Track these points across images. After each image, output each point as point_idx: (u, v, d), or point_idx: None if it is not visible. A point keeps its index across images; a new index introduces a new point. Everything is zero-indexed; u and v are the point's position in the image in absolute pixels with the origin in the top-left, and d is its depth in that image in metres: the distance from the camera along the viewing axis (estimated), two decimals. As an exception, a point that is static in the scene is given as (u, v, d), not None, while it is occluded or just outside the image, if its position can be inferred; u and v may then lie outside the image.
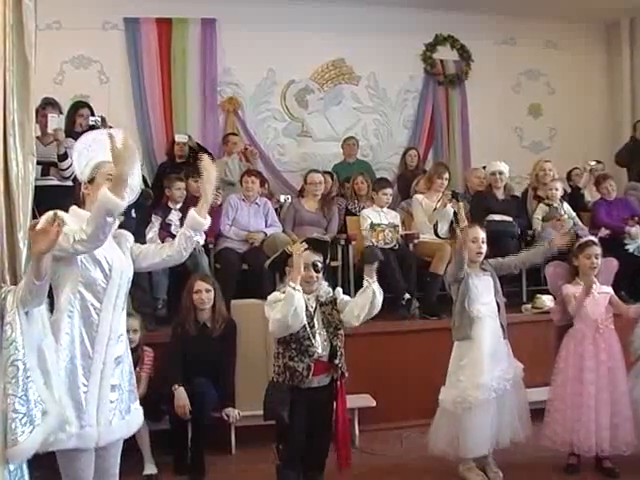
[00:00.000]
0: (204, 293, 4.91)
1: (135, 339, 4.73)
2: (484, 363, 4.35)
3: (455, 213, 6.86)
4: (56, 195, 5.97)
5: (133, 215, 6.25)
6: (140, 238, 6.14)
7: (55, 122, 5.94)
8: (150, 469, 4.68)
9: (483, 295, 4.49)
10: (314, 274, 3.75)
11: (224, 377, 4.91)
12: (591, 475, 4.57)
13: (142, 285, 5.91)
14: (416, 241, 6.70)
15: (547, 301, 6.16)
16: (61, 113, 6.18)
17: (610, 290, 4.77)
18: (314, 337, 3.68)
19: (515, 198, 7.41)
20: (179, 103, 8.53)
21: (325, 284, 3.91)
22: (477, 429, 4.32)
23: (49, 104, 6.06)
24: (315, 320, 3.75)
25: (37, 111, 5.62)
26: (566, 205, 7.06)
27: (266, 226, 6.60)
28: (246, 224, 6.54)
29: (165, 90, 8.51)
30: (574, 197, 7.68)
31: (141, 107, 8.44)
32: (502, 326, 4.51)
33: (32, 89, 5.14)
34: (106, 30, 8.39)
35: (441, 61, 9.51)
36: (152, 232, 6.21)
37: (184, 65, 8.58)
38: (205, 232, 6.55)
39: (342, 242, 6.71)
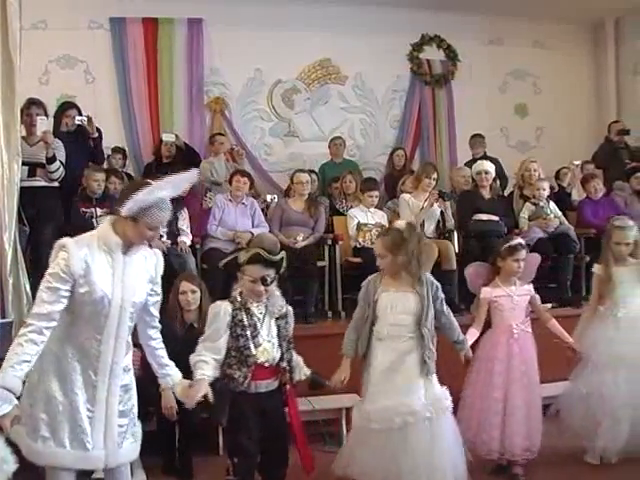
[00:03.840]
0: (190, 294, 4.90)
1: None
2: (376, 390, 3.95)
3: (442, 212, 6.91)
4: (43, 196, 5.96)
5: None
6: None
7: (44, 124, 5.92)
8: (139, 476, 4.63)
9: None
10: (262, 289, 3.60)
11: (211, 378, 4.88)
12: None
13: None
14: (403, 241, 6.69)
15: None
16: (46, 114, 6.15)
17: (531, 289, 4.69)
18: (257, 346, 3.56)
19: (502, 197, 7.44)
20: (165, 103, 8.51)
21: (278, 295, 3.75)
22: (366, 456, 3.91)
23: (34, 104, 6.04)
24: (263, 328, 3.62)
25: (22, 111, 5.59)
26: (552, 204, 7.09)
27: (253, 226, 6.60)
28: (233, 224, 6.54)
29: (151, 90, 8.48)
30: (560, 196, 7.72)
31: (127, 107, 8.41)
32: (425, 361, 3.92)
33: (17, 89, 5.12)
34: (92, 30, 8.36)
35: (428, 61, 9.53)
36: (138, 232, 6.19)
37: (170, 65, 8.56)
38: (192, 232, 6.60)
39: (329, 242, 6.71)
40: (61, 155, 6.05)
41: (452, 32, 9.44)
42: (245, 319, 3.58)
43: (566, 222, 7.04)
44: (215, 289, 5.68)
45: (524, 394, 4.41)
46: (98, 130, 6.65)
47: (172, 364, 3.35)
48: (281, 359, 3.65)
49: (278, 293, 3.74)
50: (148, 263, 3.17)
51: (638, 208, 7.41)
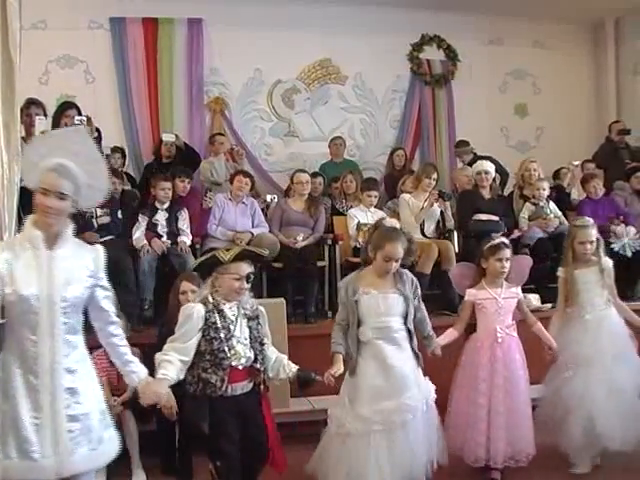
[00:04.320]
0: (190, 294, 4.86)
1: None
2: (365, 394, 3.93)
3: (442, 212, 6.91)
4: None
5: (119, 216, 6.24)
6: (127, 238, 6.18)
7: (42, 125, 5.90)
8: (139, 476, 4.65)
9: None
10: (246, 286, 3.61)
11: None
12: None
13: (128, 286, 5.91)
14: (403, 240, 6.68)
15: (533, 300, 6.20)
16: (45, 114, 6.14)
17: (519, 293, 4.61)
18: (231, 349, 3.53)
19: (501, 197, 7.44)
20: (165, 103, 8.52)
21: (249, 295, 3.73)
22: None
23: (33, 104, 6.03)
24: (236, 330, 3.59)
25: (21, 111, 5.58)
26: (552, 204, 7.09)
27: (253, 226, 6.61)
28: (233, 224, 6.55)
29: (151, 90, 8.48)
30: (560, 196, 7.71)
31: (127, 107, 8.42)
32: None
33: (17, 89, 5.12)
34: (92, 30, 8.37)
35: (428, 61, 9.53)
36: (139, 232, 6.21)
37: (170, 65, 8.56)
38: (192, 232, 6.60)
39: (329, 242, 6.71)
40: (60, 155, 6.04)
41: (452, 32, 9.44)
42: (218, 321, 3.54)
43: (566, 222, 7.03)
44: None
45: (507, 400, 4.34)
46: (97, 130, 6.64)
47: (137, 360, 3.23)
48: (255, 360, 3.62)
49: (249, 293, 3.71)
50: (86, 258, 3.06)
51: (638, 208, 7.43)
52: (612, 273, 4.79)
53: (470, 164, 7.75)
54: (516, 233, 6.82)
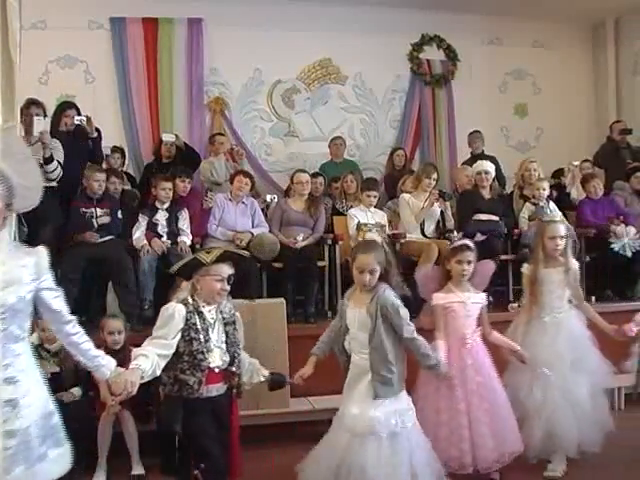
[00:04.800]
0: (190, 294, 4.89)
1: (120, 340, 4.75)
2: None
3: (442, 212, 6.91)
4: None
5: (119, 215, 6.25)
6: (127, 238, 6.18)
7: (41, 125, 5.91)
8: (138, 470, 4.67)
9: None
10: (227, 288, 3.61)
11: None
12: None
13: (129, 286, 5.91)
14: (403, 241, 6.69)
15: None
16: (45, 115, 6.14)
17: (483, 299, 4.43)
18: (209, 351, 3.54)
19: (502, 197, 7.44)
20: (165, 103, 8.51)
21: (228, 299, 3.72)
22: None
23: (33, 104, 6.04)
24: (214, 333, 3.59)
25: (21, 111, 5.59)
26: (552, 204, 7.08)
27: (253, 226, 6.61)
28: (233, 224, 6.55)
29: (151, 90, 8.48)
30: (560, 196, 7.72)
31: (127, 107, 8.42)
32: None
33: (17, 89, 5.12)
34: (92, 30, 8.36)
35: (428, 61, 9.53)
36: (139, 232, 6.21)
37: (170, 65, 8.56)
38: (192, 232, 6.61)
39: (329, 242, 6.71)
40: (59, 155, 6.05)
41: (452, 32, 9.45)
42: (198, 323, 3.53)
43: (566, 222, 7.03)
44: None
45: (485, 405, 4.21)
46: (97, 130, 6.64)
47: (102, 353, 3.11)
48: (231, 364, 3.63)
49: (227, 297, 3.69)
50: (26, 261, 2.84)
51: (638, 208, 7.43)
52: (578, 275, 4.70)
53: (468, 163, 7.76)
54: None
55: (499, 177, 7.87)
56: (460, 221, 6.97)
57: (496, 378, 4.33)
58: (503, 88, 9.85)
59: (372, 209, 6.83)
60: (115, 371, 3.11)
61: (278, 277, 6.43)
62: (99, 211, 6.11)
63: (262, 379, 3.82)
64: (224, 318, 3.65)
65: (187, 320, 3.51)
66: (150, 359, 3.33)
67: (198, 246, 6.49)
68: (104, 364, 3.07)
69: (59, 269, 5.73)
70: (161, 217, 6.35)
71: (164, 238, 6.24)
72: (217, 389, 3.60)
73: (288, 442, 4.86)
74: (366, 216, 6.71)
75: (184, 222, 6.41)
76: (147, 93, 8.48)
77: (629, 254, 6.78)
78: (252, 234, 6.47)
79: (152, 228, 6.27)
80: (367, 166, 9.09)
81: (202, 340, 3.51)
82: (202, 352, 3.50)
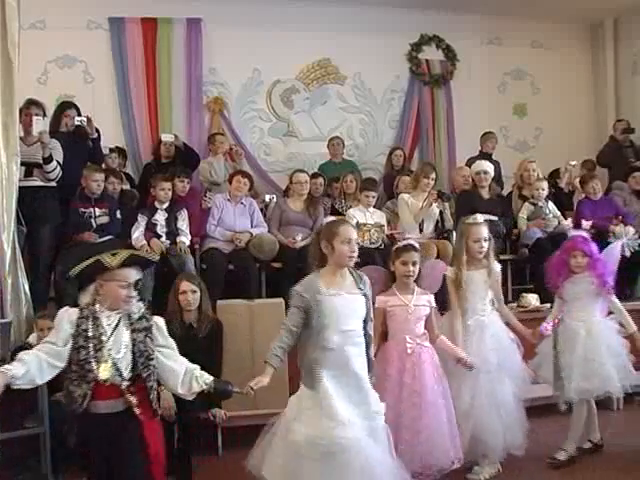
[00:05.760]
0: (190, 294, 4.89)
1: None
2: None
3: (441, 212, 6.91)
4: (40, 196, 5.96)
5: (118, 215, 6.25)
6: (126, 238, 6.17)
7: (40, 124, 5.90)
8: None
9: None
10: (133, 294, 3.29)
11: (210, 378, 4.87)
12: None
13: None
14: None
15: (532, 300, 6.22)
16: (45, 115, 6.14)
17: (431, 300, 4.32)
18: (99, 362, 3.16)
19: (500, 197, 7.44)
20: (164, 103, 8.49)
21: (137, 303, 3.37)
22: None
23: (33, 104, 6.03)
24: (109, 342, 3.22)
25: (20, 111, 5.59)
26: (551, 204, 7.09)
27: (252, 226, 6.61)
28: (232, 224, 6.55)
29: (150, 90, 8.47)
30: (559, 196, 7.72)
31: (126, 107, 8.40)
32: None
33: (15, 89, 5.12)
34: (91, 30, 8.34)
35: (427, 61, 9.52)
36: (138, 232, 6.21)
37: (169, 65, 8.54)
38: (191, 232, 6.59)
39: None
40: (58, 155, 6.05)
41: (451, 32, 9.44)
42: (90, 329, 3.20)
43: (565, 222, 7.04)
44: (214, 289, 5.70)
45: (413, 413, 4.06)
46: (97, 130, 6.64)
47: None
48: (133, 378, 3.24)
49: (138, 302, 3.38)
50: None
51: (637, 208, 7.43)
52: (499, 277, 4.70)
53: (471, 162, 7.75)
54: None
55: (497, 181, 7.86)
56: (459, 221, 6.96)
57: (434, 387, 4.15)
58: (502, 88, 9.85)
59: (371, 209, 6.83)
60: None
61: (277, 277, 6.43)
62: (98, 211, 6.11)
63: (204, 387, 3.37)
64: (131, 324, 3.30)
65: (78, 326, 3.21)
66: (27, 365, 3.08)
67: (197, 246, 6.50)
68: None
69: (57, 269, 5.75)
70: (160, 217, 6.34)
71: (163, 238, 6.24)
72: (108, 406, 3.21)
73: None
74: (365, 216, 6.72)
75: (183, 222, 6.40)
76: (146, 93, 8.46)
77: (628, 254, 6.75)
78: (251, 234, 6.47)
79: (151, 228, 6.26)
80: (366, 166, 9.08)
81: (91, 349, 3.18)
82: (89, 362, 3.17)
